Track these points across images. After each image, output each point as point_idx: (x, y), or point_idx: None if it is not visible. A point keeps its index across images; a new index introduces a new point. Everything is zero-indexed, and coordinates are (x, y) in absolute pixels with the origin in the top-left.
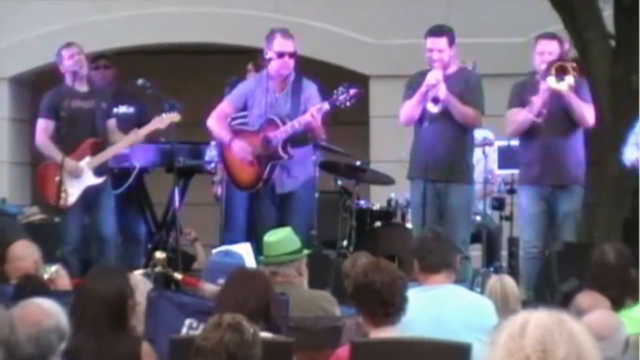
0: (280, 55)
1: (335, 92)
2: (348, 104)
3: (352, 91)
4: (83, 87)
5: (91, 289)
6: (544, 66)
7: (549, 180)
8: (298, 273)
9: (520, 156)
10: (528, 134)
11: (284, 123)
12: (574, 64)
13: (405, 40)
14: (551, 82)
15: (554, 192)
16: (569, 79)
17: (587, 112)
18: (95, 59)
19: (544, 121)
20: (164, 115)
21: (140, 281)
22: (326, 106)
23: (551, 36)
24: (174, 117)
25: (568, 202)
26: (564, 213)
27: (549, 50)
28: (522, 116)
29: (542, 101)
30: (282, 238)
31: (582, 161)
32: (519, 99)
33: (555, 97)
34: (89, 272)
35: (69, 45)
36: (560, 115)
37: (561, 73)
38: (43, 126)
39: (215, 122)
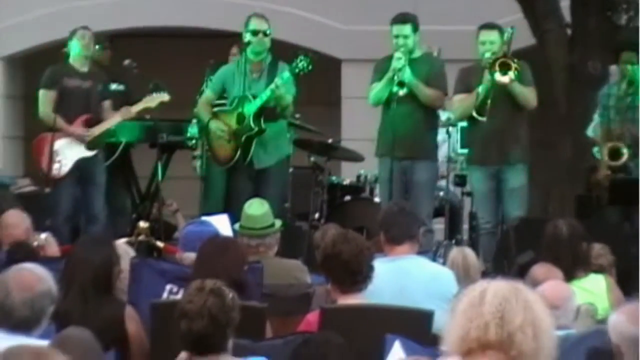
0: (255, 33)
1: (294, 60)
2: (308, 69)
3: (309, 57)
4: (83, 68)
5: (79, 257)
6: (487, 55)
7: (495, 160)
8: (275, 244)
9: (468, 138)
10: (474, 117)
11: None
12: (515, 59)
13: (374, 27)
14: (496, 76)
15: (500, 170)
16: (511, 74)
17: (529, 96)
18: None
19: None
20: (154, 94)
21: (123, 249)
22: (287, 73)
23: (492, 26)
24: (163, 96)
25: (514, 179)
26: (510, 189)
27: (490, 39)
28: (466, 103)
29: (484, 93)
30: (266, 212)
31: (526, 141)
32: (464, 84)
33: (500, 85)
34: (78, 240)
35: (84, 28)
36: (503, 100)
37: (504, 68)
38: (47, 97)
39: (200, 108)
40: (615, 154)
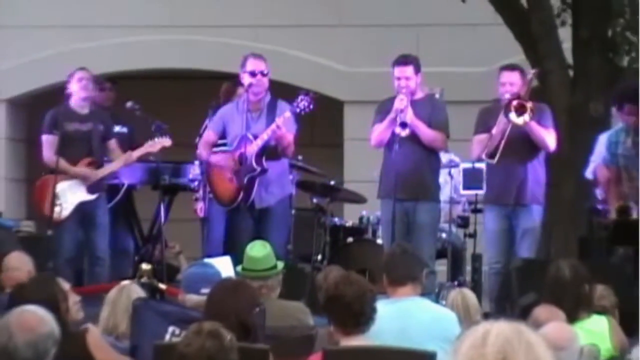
0: (253, 74)
1: (295, 100)
2: (309, 109)
3: (310, 96)
4: (84, 110)
5: (23, 298)
6: (507, 95)
7: (510, 200)
8: (277, 286)
9: (486, 178)
10: (492, 157)
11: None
12: (531, 103)
13: (376, 69)
14: (511, 116)
15: (514, 210)
16: (526, 116)
17: (548, 138)
18: (103, 81)
19: (505, 148)
20: (156, 139)
21: (133, 290)
22: (288, 113)
23: (513, 67)
24: (165, 141)
25: (527, 220)
26: (523, 230)
27: (510, 80)
28: (485, 143)
29: (499, 135)
30: (268, 253)
31: (542, 182)
32: (484, 124)
33: (518, 126)
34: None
35: (82, 69)
36: (520, 141)
37: (520, 110)
38: (50, 141)
39: (201, 150)
40: (623, 212)
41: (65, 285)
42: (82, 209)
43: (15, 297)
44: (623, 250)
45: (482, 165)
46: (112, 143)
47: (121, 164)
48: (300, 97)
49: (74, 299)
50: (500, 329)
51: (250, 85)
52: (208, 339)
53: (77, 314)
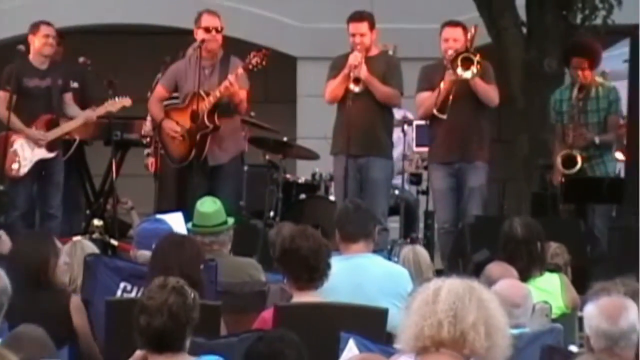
0: (207, 30)
1: (248, 56)
2: (261, 65)
3: (263, 52)
4: (43, 65)
5: (13, 252)
6: (450, 52)
7: (455, 158)
8: (229, 241)
9: (429, 136)
10: (435, 116)
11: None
12: (478, 55)
13: (330, 25)
14: (458, 71)
15: (460, 168)
16: (473, 69)
17: (491, 94)
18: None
19: (449, 105)
20: (116, 99)
21: (86, 245)
22: (241, 70)
23: (455, 23)
24: (125, 101)
25: (474, 178)
26: (470, 188)
27: (453, 36)
28: (429, 102)
29: (446, 90)
30: (218, 209)
31: (487, 139)
32: (428, 81)
33: (461, 81)
34: (16, 237)
35: (47, 24)
36: (465, 98)
37: (467, 63)
38: (2, 97)
39: (152, 105)
40: (569, 162)
41: (59, 245)
42: (39, 165)
43: (15, 248)
44: (575, 207)
45: None
46: (69, 97)
47: (80, 122)
48: (252, 54)
49: (64, 259)
50: (452, 285)
51: (203, 41)
52: (172, 294)
53: (63, 275)
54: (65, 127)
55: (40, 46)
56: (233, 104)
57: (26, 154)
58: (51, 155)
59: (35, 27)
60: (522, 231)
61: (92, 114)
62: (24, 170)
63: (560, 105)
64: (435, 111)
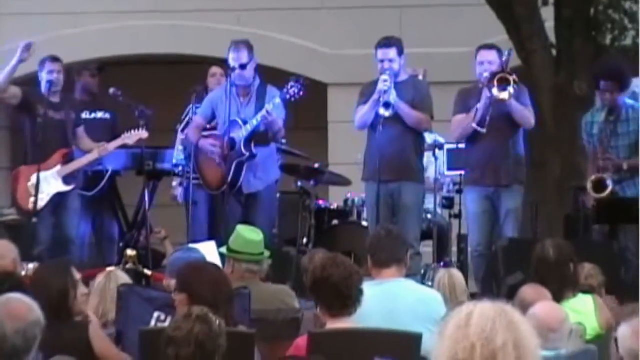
0: (233, 69)
1: (285, 86)
2: (299, 95)
3: (301, 82)
4: (55, 99)
5: (34, 284)
6: (486, 74)
7: (491, 181)
8: (266, 270)
9: (465, 159)
10: (472, 138)
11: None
12: (515, 76)
13: (360, 51)
14: (494, 91)
15: (496, 192)
16: (510, 89)
17: (527, 115)
18: (97, 68)
19: (486, 127)
20: (132, 132)
21: (119, 276)
22: (278, 99)
23: (490, 47)
24: (142, 134)
25: (510, 201)
26: (506, 211)
27: (488, 59)
28: (466, 123)
29: (484, 109)
30: (262, 239)
31: (523, 162)
32: (464, 105)
33: (498, 104)
34: (35, 269)
35: (55, 60)
36: (501, 120)
37: (503, 83)
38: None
39: (190, 133)
40: (599, 186)
41: (77, 275)
42: (56, 198)
43: (34, 280)
44: (607, 228)
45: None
46: (80, 131)
47: (95, 157)
48: (290, 84)
49: (82, 290)
50: (484, 309)
51: (234, 69)
52: (197, 323)
53: (83, 305)
54: (79, 161)
55: (45, 80)
56: (271, 133)
57: (43, 188)
58: (68, 188)
59: (41, 64)
60: (554, 253)
61: (107, 147)
62: (41, 204)
63: (591, 127)
64: (474, 125)
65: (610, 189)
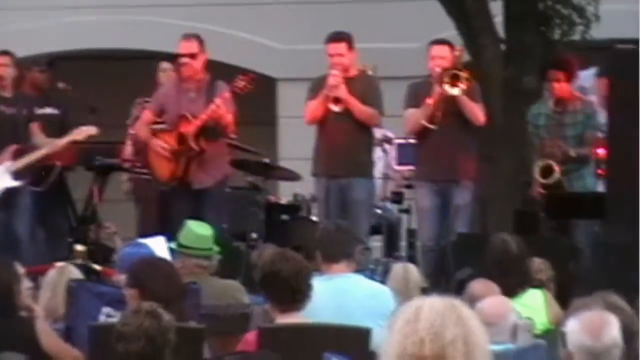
0: (181, 56)
1: (234, 80)
2: (247, 89)
3: (249, 76)
4: (6, 93)
5: None
6: (438, 69)
7: (441, 176)
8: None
9: (415, 154)
10: (422, 133)
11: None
12: (466, 73)
13: (309, 46)
14: (446, 88)
15: (446, 187)
16: (462, 86)
17: (478, 112)
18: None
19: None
20: (82, 128)
21: (72, 272)
22: (227, 93)
23: (442, 42)
24: (90, 130)
25: (459, 196)
26: (456, 206)
27: (440, 54)
28: (417, 118)
29: (435, 104)
30: (212, 234)
31: (473, 157)
32: (415, 99)
33: (448, 99)
34: None
35: (4, 53)
36: (451, 115)
37: (455, 81)
38: None
39: (139, 128)
40: (546, 171)
41: (20, 270)
42: (5, 194)
43: None
44: (557, 223)
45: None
46: (34, 126)
47: (46, 152)
48: (239, 78)
49: (26, 284)
50: (433, 303)
51: (184, 64)
52: (146, 318)
53: (27, 299)
54: (30, 157)
55: None
56: (220, 128)
57: None
58: (17, 184)
59: None
60: (516, 247)
61: (57, 143)
62: None
63: (537, 118)
64: (424, 122)
65: (557, 173)
